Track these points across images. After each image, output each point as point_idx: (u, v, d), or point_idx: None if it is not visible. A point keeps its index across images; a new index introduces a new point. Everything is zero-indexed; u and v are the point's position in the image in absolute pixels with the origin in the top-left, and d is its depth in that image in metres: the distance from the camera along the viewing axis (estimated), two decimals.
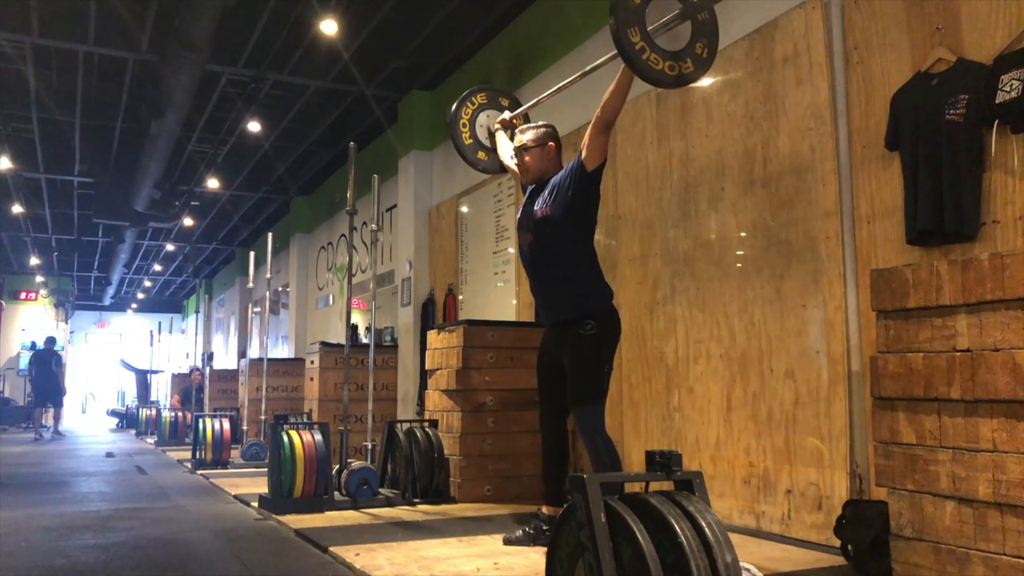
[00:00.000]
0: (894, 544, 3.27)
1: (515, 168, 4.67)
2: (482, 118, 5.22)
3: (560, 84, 4.79)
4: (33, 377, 16.62)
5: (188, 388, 14.14)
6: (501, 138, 5.03)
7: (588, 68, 4.46)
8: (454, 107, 5.19)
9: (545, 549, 2.74)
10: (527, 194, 4.52)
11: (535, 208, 4.29)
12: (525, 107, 5.18)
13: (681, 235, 5.60)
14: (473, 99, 5.26)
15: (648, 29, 3.55)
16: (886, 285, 3.37)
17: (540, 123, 4.56)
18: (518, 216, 4.52)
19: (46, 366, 16.38)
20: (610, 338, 4.16)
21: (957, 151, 3.73)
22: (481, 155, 5.19)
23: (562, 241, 4.21)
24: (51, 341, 17.48)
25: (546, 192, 4.29)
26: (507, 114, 5.11)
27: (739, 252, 5.13)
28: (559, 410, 4.45)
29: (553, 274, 4.25)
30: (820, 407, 4.49)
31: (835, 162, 4.49)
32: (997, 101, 3.58)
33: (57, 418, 16.56)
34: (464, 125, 5.17)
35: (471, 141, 5.18)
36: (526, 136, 4.47)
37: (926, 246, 3.92)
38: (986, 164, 3.68)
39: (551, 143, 4.45)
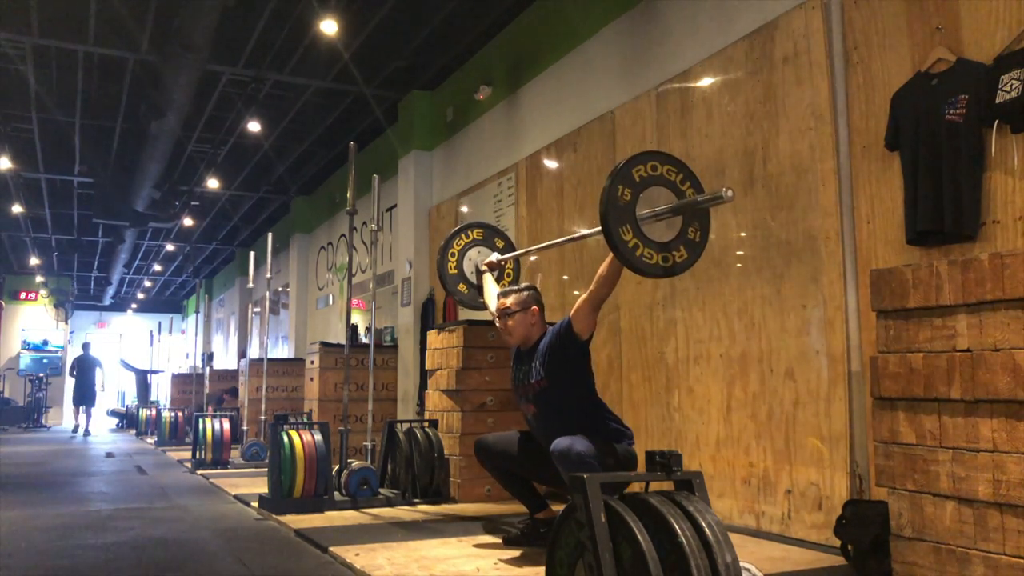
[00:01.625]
0: (894, 544, 3.27)
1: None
2: (472, 253, 5.23)
3: (552, 242, 4.94)
4: (75, 380, 18.19)
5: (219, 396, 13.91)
6: (488, 280, 5.01)
7: (577, 236, 4.52)
8: (448, 236, 5.25)
9: (545, 549, 2.73)
10: (514, 356, 4.43)
11: (531, 380, 4.19)
12: (517, 253, 5.19)
13: None
14: (468, 233, 5.28)
15: (638, 217, 3.46)
16: (886, 285, 3.37)
17: (523, 285, 4.43)
18: (512, 382, 4.41)
19: (87, 371, 18.10)
20: (620, 465, 4.02)
21: (957, 151, 3.74)
22: (462, 287, 5.21)
23: (568, 407, 4.12)
24: (87, 347, 19.15)
25: (537, 361, 4.18)
26: (495, 256, 5.10)
27: (739, 252, 5.14)
28: (508, 458, 4.42)
29: (565, 431, 4.09)
30: (820, 407, 4.49)
31: (835, 162, 4.49)
32: (997, 101, 3.58)
33: (88, 417, 17.96)
34: (452, 255, 5.21)
35: (455, 272, 5.19)
36: (508, 300, 4.35)
37: (926, 246, 3.92)
38: (986, 164, 3.68)
39: (534, 307, 4.33)
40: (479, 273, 5.15)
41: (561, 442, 3.75)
